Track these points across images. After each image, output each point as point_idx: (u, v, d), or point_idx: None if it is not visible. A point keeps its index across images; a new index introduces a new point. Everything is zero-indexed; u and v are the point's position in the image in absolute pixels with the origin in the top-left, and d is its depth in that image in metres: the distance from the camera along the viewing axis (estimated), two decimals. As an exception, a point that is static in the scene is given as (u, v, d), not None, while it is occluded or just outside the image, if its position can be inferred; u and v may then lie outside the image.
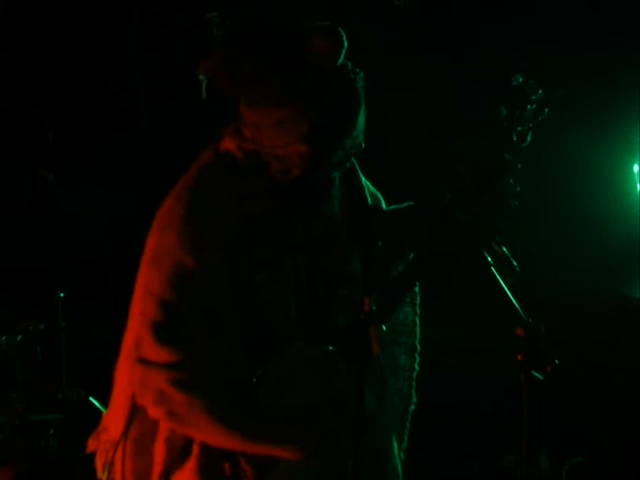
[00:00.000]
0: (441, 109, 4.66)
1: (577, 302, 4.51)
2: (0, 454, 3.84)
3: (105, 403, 2.47)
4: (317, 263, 2.36)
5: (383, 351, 2.20)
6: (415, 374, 2.57)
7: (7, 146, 4.79)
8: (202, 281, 2.23)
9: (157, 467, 2.28)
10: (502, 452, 4.29)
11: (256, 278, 2.28)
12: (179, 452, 2.27)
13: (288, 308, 2.31)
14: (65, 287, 4.40)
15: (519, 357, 2.13)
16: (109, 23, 4.98)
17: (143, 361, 2.23)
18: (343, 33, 2.26)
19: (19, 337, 4.10)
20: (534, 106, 2.45)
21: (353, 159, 2.42)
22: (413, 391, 2.57)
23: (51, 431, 3.97)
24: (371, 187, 2.57)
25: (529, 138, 2.46)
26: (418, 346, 2.57)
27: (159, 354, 2.21)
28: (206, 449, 2.24)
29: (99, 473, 2.40)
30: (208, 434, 2.22)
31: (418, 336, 2.58)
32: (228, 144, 2.34)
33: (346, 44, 2.26)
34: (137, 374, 2.24)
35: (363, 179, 2.53)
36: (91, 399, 4.18)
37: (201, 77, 2.33)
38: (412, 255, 2.50)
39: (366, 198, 2.50)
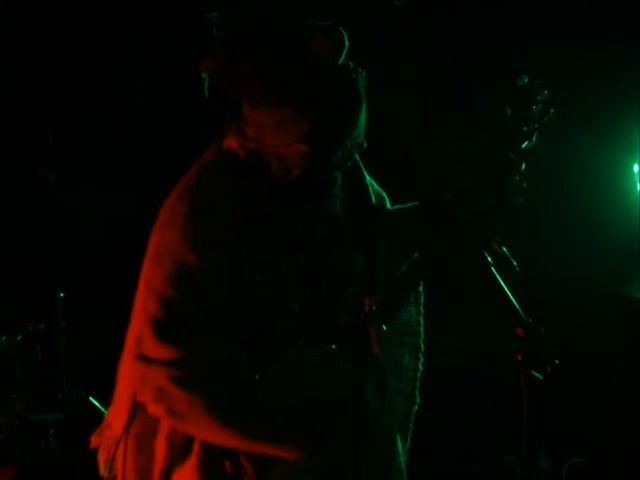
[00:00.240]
0: (441, 109, 4.66)
1: (577, 302, 4.51)
2: (0, 454, 3.84)
3: (105, 403, 2.47)
4: (318, 262, 2.36)
5: (384, 351, 2.20)
6: (419, 374, 2.56)
7: (7, 146, 4.79)
8: (202, 279, 2.23)
9: (158, 464, 2.29)
10: (502, 452, 4.29)
11: (256, 278, 2.28)
12: (180, 449, 2.27)
13: (290, 308, 2.31)
14: (65, 287, 4.40)
15: (519, 357, 2.13)
16: (109, 23, 4.98)
17: (144, 358, 2.23)
18: (344, 33, 2.26)
19: (19, 337, 4.10)
20: (540, 106, 2.45)
21: (357, 157, 2.42)
22: (417, 392, 2.56)
23: (51, 431, 3.97)
24: (376, 186, 2.56)
25: (534, 138, 2.46)
26: (422, 346, 2.57)
27: (159, 351, 2.21)
28: (207, 446, 2.24)
29: (101, 469, 2.40)
30: (208, 432, 2.22)
31: (422, 336, 2.57)
32: (231, 142, 2.33)
33: (347, 44, 2.26)
34: (138, 371, 2.25)
35: (367, 178, 2.52)
36: (91, 399, 4.18)
37: (203, 75, 2.32)
38: (416, 255, 2.49)
39: (370, 197, 2.49)
